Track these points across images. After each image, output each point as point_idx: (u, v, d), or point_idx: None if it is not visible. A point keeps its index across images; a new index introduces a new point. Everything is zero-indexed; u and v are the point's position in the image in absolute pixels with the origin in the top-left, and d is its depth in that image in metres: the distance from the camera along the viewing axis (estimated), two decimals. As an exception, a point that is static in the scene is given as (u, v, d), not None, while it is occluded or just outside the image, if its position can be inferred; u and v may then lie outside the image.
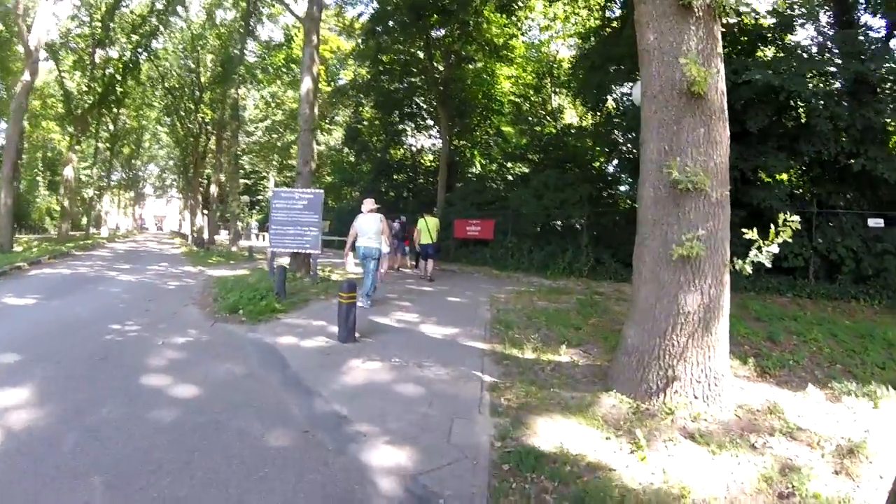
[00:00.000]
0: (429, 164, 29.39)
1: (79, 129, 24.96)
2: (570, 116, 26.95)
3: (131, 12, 24.71)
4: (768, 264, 3.69)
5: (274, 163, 44.38)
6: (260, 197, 49.87)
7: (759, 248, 3.69)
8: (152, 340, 5.84)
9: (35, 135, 35.61)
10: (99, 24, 23.17)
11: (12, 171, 15.88)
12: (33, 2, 20.84)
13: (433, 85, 22.25)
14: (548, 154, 21.55)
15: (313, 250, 10.51)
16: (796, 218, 3.49)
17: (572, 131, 22.17)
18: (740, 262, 3.79)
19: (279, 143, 38.13)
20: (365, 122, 30.36)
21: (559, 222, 17.64)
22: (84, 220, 41.78)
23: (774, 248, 3.61)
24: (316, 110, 11.38)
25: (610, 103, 18.61)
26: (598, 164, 21.36)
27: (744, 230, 3.62)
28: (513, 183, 22.42)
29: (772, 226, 3.56)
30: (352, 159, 32.79)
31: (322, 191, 11.03)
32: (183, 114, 30.92)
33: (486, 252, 17.26)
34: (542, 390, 4.35)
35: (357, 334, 5.87)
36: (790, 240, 3.54)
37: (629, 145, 15.49)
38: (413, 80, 24.39)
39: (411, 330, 6.58)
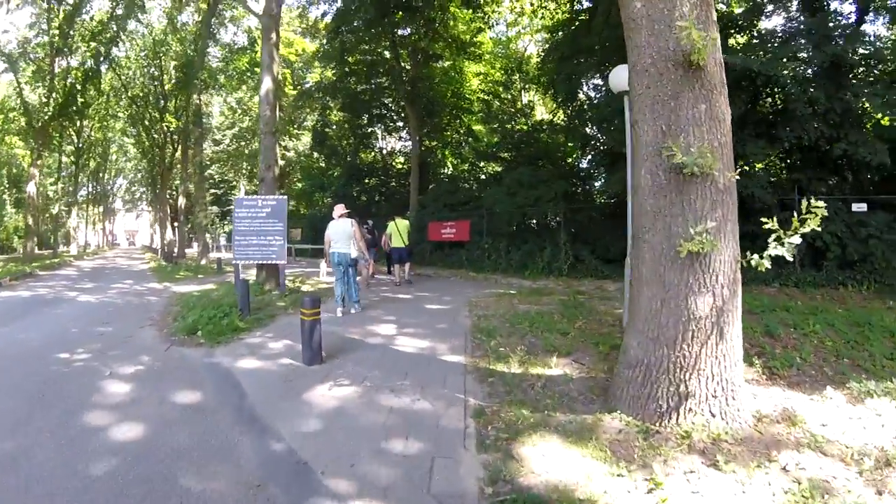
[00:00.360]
0: (400, 166, 28.77)
1: (40, 143, 23.74)
2: (541, 113, 26.63)
3: (91, 19, 23.57)
4: (790, 257, 3.19)
5: (243, 171, 43.26)
6: (230, 207, 48.54)
7: (777, 240, 3.20)
8: (100, 371, 5.15)
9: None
10: (57, 32, 22.07)
11: None
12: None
13: (400, 84, 21.64)
14: (520, 151, 21.18)
15: (279, 260, 9.72)
16: (821, 204, 3.00)
17: (544, 127, 21.84)
18: (755, 257, 3.29)
19: (247, 151, 37.11)
20: (334, 126, 29.65)
21: (535, 221, 17.25)
22: (52, 238, 40.15)
23: (796, 240, 3.12)
24: (279, 113, 10.70)
25: (581, 96, 18.31)
26: (571, 159, 21.11)
27: (763, 220, 3.13)
28: (486, 182, 21.98)
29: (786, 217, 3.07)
30: (322, 164, 31.98)
31: (285, 197, 10.23)
32: (147, 123, 29.71)
33: (463, 254, 16.70)
34: (534, 413, 3.77)
35: (324, 353, 5.25)
36: (819, 228, 3.04)
37: (602, 137, 15.14)
38: (380, 80, 23.74)
39: (385, 345, 5.94)
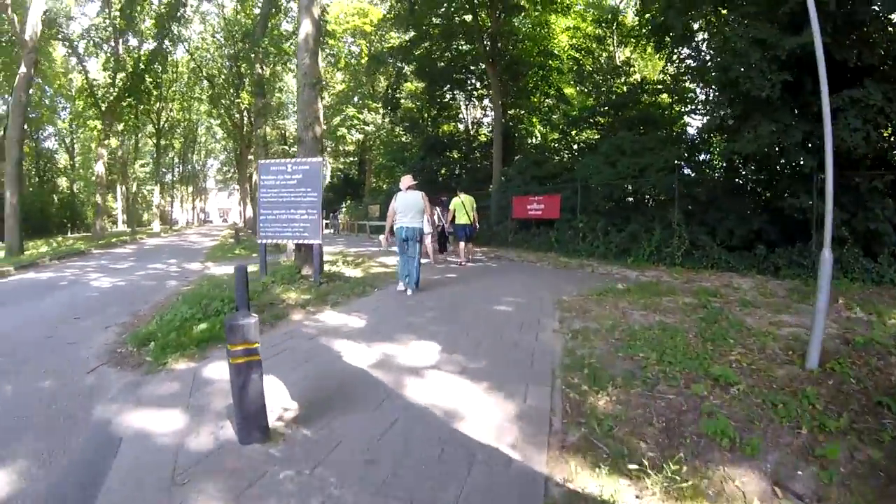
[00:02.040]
0: (485, 138, 26.58)
1: (107, 124, 24.14)
2: (642, 71, 23.36)
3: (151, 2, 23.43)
4: None
5: (328, 149, 43.08)
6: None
7: None
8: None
9: (86, 134, 35.83)
10: (118, 14, 22.16)
11: (17, 170, 14.69)
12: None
13: (479, 42, 19.33)
14: (619, 115, 18.40)
15: (313, 239, 7.93)
16: None
17: (646, 87, 18.78)
18: None
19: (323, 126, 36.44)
20: (411, 97, 28.01)
21: (639, 196, 14.59)
22: (138, 216, 42.47)
23: None
24: (321, 61, 8.97)
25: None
26: (679, 123, 18.04)
27: None
28: (580, 153, 19.35)
29: None
30: (403, 138, 30.50)
31: (320, 160, 8.30)
32: (226, 102, 29.86)
33: (552, 235, 14.44)
34: None
35: (281, 419, 3.16)
36: None
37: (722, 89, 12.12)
38: (457, 42, 21.52)
39: (397, 394, 3.54)
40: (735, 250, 10.59)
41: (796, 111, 9.44)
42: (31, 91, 31.25)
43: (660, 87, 18.69)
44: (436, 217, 11.58)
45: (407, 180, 7.82)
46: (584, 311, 5.93)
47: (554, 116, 23.42)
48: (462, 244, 11.54)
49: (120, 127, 30.02)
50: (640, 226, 12.18)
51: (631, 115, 17.85)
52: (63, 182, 41.72)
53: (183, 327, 5.16)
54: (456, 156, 25.79)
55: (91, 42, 24.02)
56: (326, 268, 9.66)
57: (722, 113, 10.58)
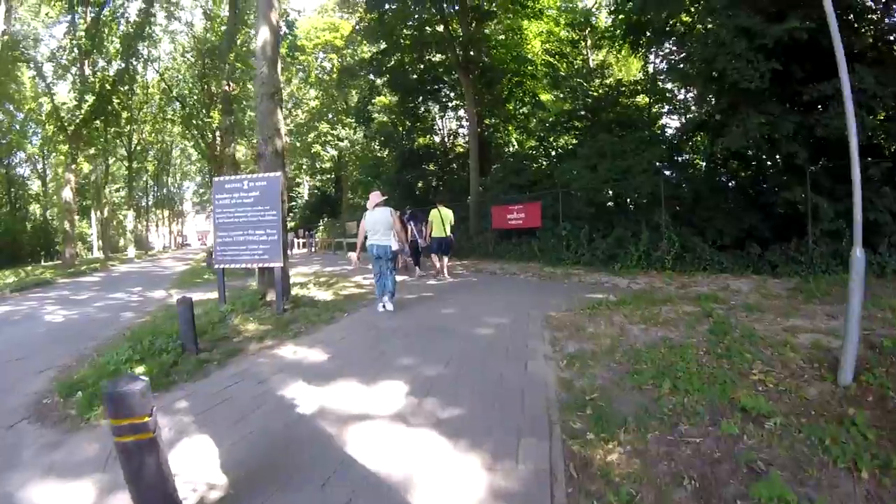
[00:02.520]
0: (461, 149, 26.04)
1: (74, 147, 23.21)
2: (618, 74, 23.06)
3: (114, 18, 22.64)
4: None
5: (304, 167, 42.34)
6: (293, 203, 48.02)
7: None
8: None
9: (58, 160, 34.82)
10: (83, 34, 21.40)
11: None
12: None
13: (451, 50, 18.78)
14: (597, 119, 17.96)
15: (273, 262, 7.03)
16: None
17: (623, 89, 18.43)
18: None
19: (297, 144, 35.72)
20: (384, 109, 27.39)
21: (622, 199, 14.12)
22: (121, 242, 41.13)
23: None
24: (280, 71, 8.27)
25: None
26: (658, 125, 17.70)
27: None
28: (559, 158, 18.85)
29: None
30: (378, 152, 29.81)
31: (279, 175, 7.34)
32: (198, 123, 28.94)
33: (534, 244, 13.84)
34: None
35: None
36: None
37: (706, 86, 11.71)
38: (428, 49, 20.95)
39: (353, 460, 2.79)
40: (726, 250, 10.12)
41: (785, 102, 9.04)
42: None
43: (637, 87, 18.35)
44: (408, 232, 11.04)
45: (375, 197, 7.49)
46: (577, 330, 5.25)
47: (531, 124, 22.98)
48: (437, 258, 11.06)
49: (91, 151, 29.10)
50: (626, 230, 11.64)
51: (609, 118, 17.43)
52: (36, 209, 40.43)
53: (118, 371, 4.37)
54: (432, 168, 25.18)
55: (58, 64, 23.14)
56: (296, 291, 8.90)
57: (707, 108, 10.11)
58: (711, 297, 6.63)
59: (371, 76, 23.50)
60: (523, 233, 14.75)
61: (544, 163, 19.88)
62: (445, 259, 11.16)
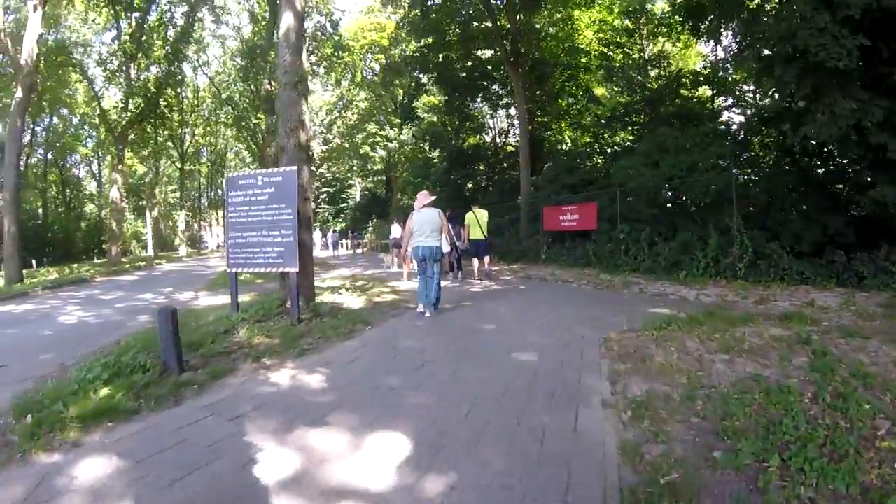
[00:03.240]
0: (512, 148, 25.32)
1: (121, 148, 24.14)
2: (677, 64, 21.70)
3: (162, 23, 23.29)
4: None
5: (355, 167, 42.75)
6: (343, 205, 48.66)
7: None
8: None
9: (110, 161, 36.79)
10: (128, 38, 22.19)
11: (14, 196, 14.50)
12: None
13: (500, 45, 18.07)
14: (655, 113, 16.89)
15: (288, 267, 6.48)
16: None
17: (683, 80, 17.24)
18: None
19: (346, 145, 35.98)
20: (433, 109, 26.98)
21: (686, 199, 13.05)
22: (177, 240, 42.95)
23: None
24: (305, 58, 7.83)
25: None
26: (721, 119, 16.42)
27: None
28: (615, 155, 17.87)
29: None
30: (427, 152, 29.45)
31: (294, 169, 6.57)
32: (248, 125, 29.51)
33: (589, 248, 13.00)
34: None
35: None
36: None
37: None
38: (476, 42, 20.27)
39: None
40: (804, 257, 9.01)
41: (872, 86, 7.87)
42: (54, 119, 32.35)
43: (699, 78, 17.11)
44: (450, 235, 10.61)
45: (423, 197, 7.32)
46: (642, 360, 4.45)
47: (584, 119, 21.95)
48: (477, 262, 10.98)
49: (145, 152, 30.23)
50: (691, 234, 10.65)
51: (668, 111, 16.35)
52: (93, 208, 42.65)
53: (85, 389, 3.82)
54: (482, 168, 24.59)
55: (106, 69, 24.18)
56: (327, 296, 8.46)
57: (788, 92, 8.95)
58: (800, 317, 5.71)
59: (416, 73, 23.02)
60: (577, 236, 13.94)
61: (599, 161, 18.90)
62: (486, 260, 11.15)
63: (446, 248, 7.20)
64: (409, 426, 3.22)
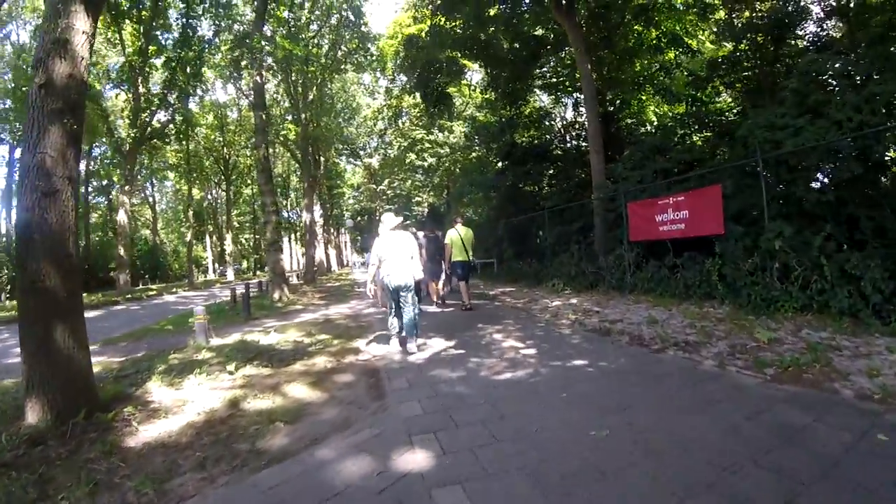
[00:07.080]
0: (573, 139, 20.16)
1: (128, 169, 22.37)
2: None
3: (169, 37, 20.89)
4: None
5: (416, 181, 39.26)
6: (408, 222, 45.42)
7: None
8: None
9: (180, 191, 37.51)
10: (132, 50, 20.49)
11: None
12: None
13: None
14: (781, 55, 11.34)
15: None
16: None
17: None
18: None
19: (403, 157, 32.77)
20: (485, 105, 22.55)
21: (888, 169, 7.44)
22: (244, 264, 42.55)
23: None
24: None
25: None
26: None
27: None
28: (725, 127, 12.38)
29: None
30: (477, 151, 24.99)
31: None
32: (281, 139, 26.85)
33: (711, 269, 7.67)
34: None
35: None
36: None
37: None
38: (522, 17, 15.57)
39: None
40: None
41: None
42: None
43: None
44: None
45: (390, 219, 6.21)
46: None
47: (674, 83, 16.39)
48: (462, 285, 9.63)
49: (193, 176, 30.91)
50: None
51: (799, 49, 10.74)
52: (146, 233, 44.69)
53: None
54: (542, 164, 19.40)
55: (115, 84, 23.01)
56: (165, 388, 4.14)
57: None
58: None
59: (448, 51, 18.01)
60: (687, 245, 8.70)
61: (698, 139, 13.43)
62: (464, 285, 9.66)
63: (419, 275, 6.04)
64: None
